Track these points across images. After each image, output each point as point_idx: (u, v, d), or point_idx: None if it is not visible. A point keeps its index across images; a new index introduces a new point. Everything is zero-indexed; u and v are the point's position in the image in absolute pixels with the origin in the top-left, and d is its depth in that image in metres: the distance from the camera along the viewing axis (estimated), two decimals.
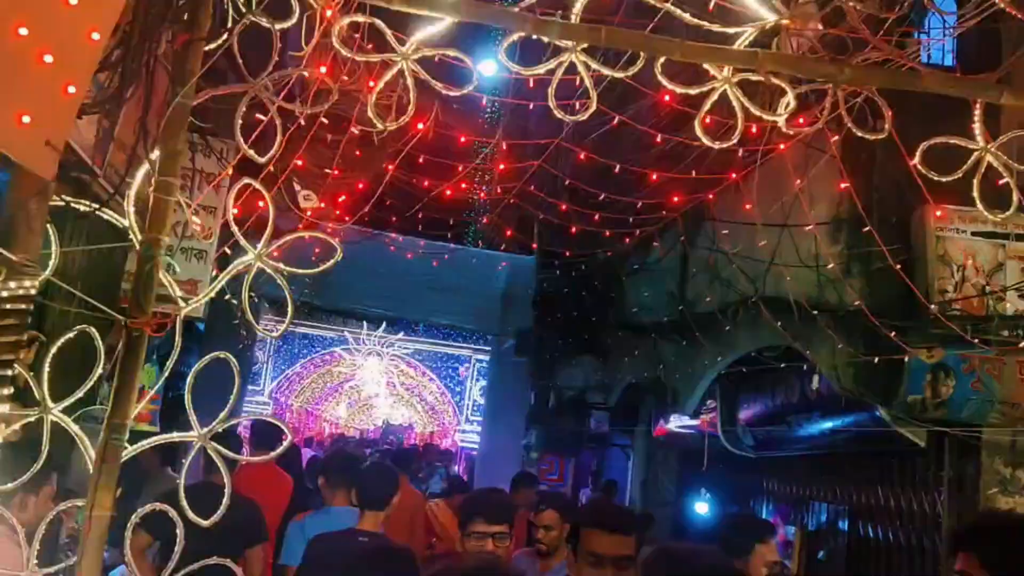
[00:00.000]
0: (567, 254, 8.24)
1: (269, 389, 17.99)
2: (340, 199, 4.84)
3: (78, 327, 2.12)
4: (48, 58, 1.63)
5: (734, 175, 5.15)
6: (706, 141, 2.36)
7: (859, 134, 2.57)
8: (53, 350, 2.05)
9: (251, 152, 2.37)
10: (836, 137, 4.10)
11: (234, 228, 2.40)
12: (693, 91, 2.40)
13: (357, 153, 4.20)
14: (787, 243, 5.99)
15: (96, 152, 3.41)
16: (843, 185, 4.98)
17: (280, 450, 2.46)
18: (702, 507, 8.02)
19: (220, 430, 2.14)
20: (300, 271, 2.41)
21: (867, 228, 4.42)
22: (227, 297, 5.92)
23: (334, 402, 26.04)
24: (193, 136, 5.52)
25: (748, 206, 5.18)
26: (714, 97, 2.39)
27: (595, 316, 9.37)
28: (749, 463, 8.45)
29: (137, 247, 2.10)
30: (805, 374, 6.05)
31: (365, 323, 16.60)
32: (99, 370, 2.07)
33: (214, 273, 5.35)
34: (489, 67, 3.83)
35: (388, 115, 3.46)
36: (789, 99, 2.42)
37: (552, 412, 11.27)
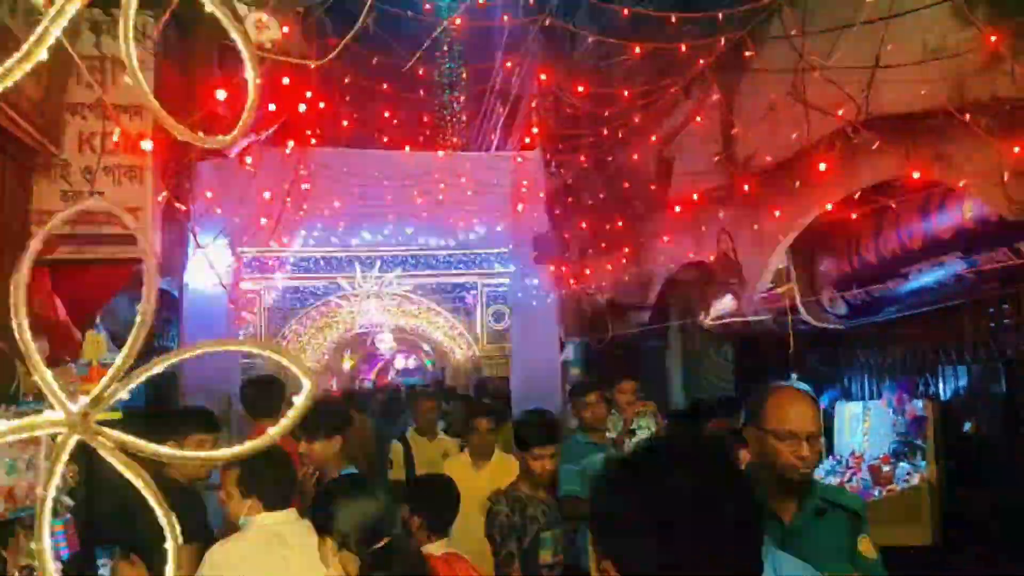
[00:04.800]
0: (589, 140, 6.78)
1: None
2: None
3: None
4: None
5: None
6: None
7: None
8: None
9: None
10: None
11: None
12: None
13: None
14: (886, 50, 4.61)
15: None
16: None
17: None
18: None
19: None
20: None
21: None
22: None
23: (339, 355, 24.89)
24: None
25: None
26: None
27: (624, 202, 8.00)
28: (831, 337, 7.25)
29: None
30: (938, 206, 4.75)
31: (358, 265, 15.24)
32: None
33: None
34: None
35: None
36: None
37: (588, 321, 10.02)
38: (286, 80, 3.75)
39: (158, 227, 4.06)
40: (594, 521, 1.34)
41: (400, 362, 32.30)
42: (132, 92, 4.00)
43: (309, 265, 14.85)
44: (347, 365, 28.78)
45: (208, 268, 7.58)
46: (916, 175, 4.19)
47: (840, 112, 4.74)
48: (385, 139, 6.21)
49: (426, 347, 25.93)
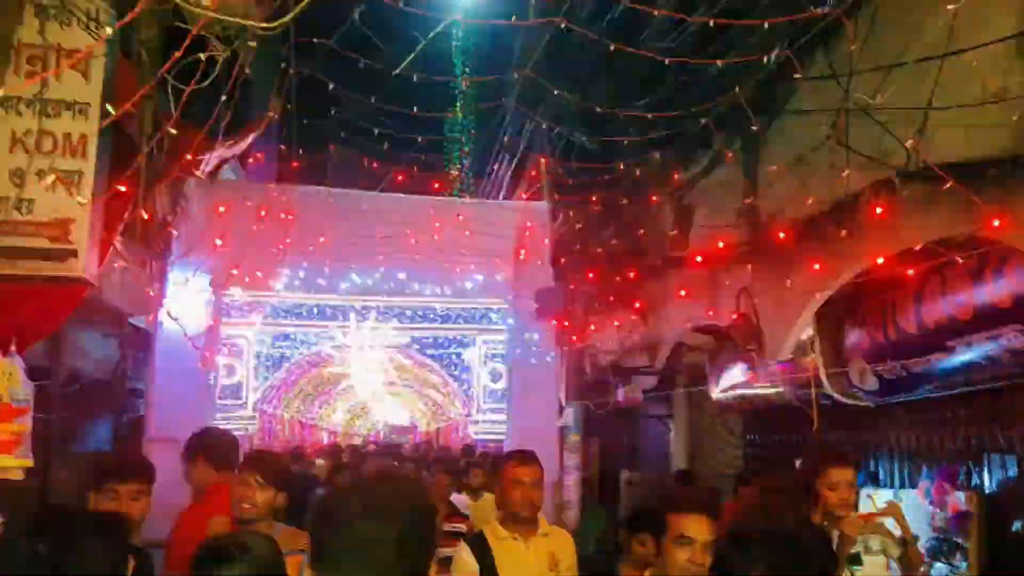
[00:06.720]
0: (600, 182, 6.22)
1: (253, 401, 15.91)
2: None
3: None
4: None
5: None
6: None
7: None
8: None
9: None
10: None
11: None
12: None
13: None
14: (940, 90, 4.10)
15: None
16: None
17: None
18: None
19: None
20: None
21: None
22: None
23: (329, 408, 24.04)
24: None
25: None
26: None
27: (637, 253, 7.44)
28: (859, 415, 6.60)
29: None
30: (995, 271, 4.17)
31: (353, 316, 14.65)
32: None
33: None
34: None
35: None
36: None
37: (590, 384, 9.37)
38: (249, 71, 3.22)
39: (95, 245, 3.47)
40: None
41: (393, 418, 31.46)
42: (77, 87, 3.47)
43: (301, 312, 14.23)
44: (339, 418, 27.96)
45: (174, 311, 7.01)
46: (986, 230, 3.62)
47: (888, 159, 4.21)
48: (374, 164, 5.69)
49: (420, 404, 25.17)
